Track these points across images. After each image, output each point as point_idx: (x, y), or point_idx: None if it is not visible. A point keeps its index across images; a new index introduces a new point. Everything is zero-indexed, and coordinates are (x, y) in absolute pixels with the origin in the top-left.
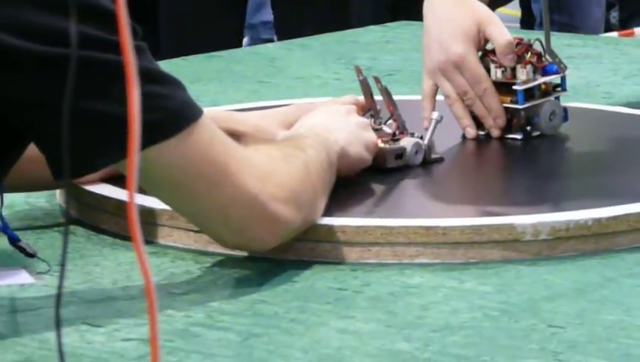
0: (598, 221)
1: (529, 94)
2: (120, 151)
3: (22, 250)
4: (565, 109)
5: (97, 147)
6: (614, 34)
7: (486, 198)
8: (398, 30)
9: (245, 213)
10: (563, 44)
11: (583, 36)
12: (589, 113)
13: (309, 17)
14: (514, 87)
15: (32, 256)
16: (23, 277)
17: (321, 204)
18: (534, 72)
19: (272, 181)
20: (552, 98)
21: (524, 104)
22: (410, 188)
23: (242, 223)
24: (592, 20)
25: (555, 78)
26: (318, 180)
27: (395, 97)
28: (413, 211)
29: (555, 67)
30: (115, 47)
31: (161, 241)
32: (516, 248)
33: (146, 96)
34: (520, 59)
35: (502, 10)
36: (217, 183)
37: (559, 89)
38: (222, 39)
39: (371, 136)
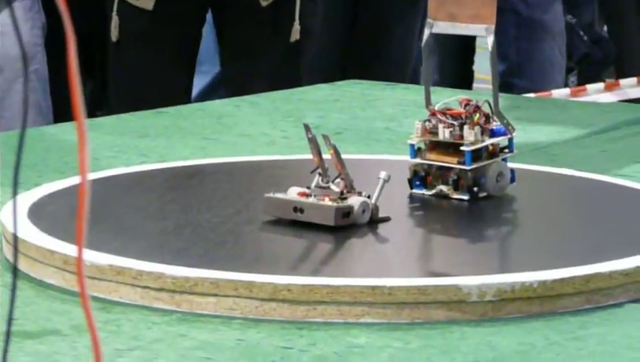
0: (543, 283)
1: (476, 155)
2: None
3: None
4: (512, 171)
5: None
6: (567, 90)
7: (432, 259)
8: (346, 88)
9: None
10: (511, 105)
11: (531, 98)
12: (536, 175)
13: (258, 74)
14: (461, 148)
15: None
16: None
17: None
18: (482, 134)
19: None
20: (499, 159)
21: (471, 165)
22: (356, 247)
23: None
24: (553, 85)
25: (502, 140)
26: None
27: (343, 156)
28: (360, 270)
29: (503, 129)
30: None
31: (108, 296)
32: (461, 309)
33: None
34: (468, 120)
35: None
36: None
37: (507, 150)
38: (171, 95)
39: None
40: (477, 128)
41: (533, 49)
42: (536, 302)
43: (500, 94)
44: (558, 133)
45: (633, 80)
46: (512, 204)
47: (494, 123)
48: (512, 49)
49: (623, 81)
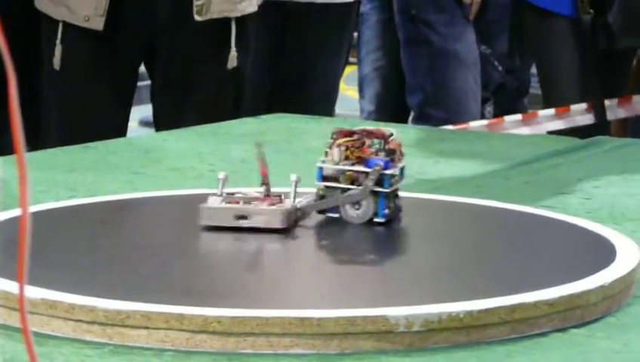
0: (469, 313)
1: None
2: None
3: None
4: (384, 208)
5: None
6: (484, 122)
7: (361, 289)
8: (271, 122)
9: None
10: (433, 138)
11: (454, 131)
12: (461, 207)
13: (188, 109)
14: (317, 164)
15: None
16: None
17: None
18: (352, 160)
19: None
20: (363, 188)
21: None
22: (285, 278)
23: None
24: (469, 115)
25: (371, 172)
26: None
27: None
28: (289, 302)
29: (383, 162)
30: None
31: (40, 330)
32: (389, 339)
33: None
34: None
35: None
36: None
37: (388, 188)
38: (105, 130)
39: None
40: (341, 149)
41: (448, 79)
42: (463, 332)
43: (420, 127)
44: (481, 165)
45: (551, 111)
46: (438, 235)
47: (379, 155)
48: (427, 80)
49: (541, 113)
